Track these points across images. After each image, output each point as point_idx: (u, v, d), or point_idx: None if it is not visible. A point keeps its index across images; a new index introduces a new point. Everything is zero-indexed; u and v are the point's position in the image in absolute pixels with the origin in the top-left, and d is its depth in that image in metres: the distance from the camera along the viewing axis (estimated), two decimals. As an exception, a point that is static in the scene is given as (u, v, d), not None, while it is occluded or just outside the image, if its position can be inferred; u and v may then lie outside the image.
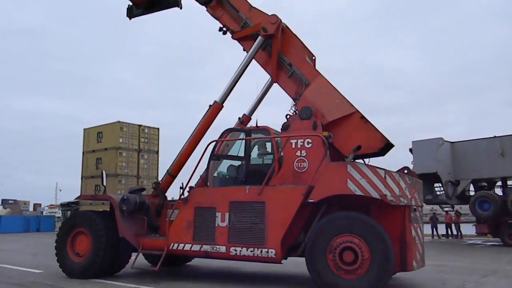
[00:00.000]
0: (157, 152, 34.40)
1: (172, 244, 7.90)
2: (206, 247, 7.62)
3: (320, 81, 8.32)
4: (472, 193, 21.29)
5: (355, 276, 6.45)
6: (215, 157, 8.60)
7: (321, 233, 6.80)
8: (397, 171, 7.45)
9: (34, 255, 12.86)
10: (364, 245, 6.50)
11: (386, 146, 7.79)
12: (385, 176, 6.72)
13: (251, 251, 7.20)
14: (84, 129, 35.65)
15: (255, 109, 10.22)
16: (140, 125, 33.94)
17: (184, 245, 7.82)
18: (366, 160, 8.00)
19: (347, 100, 8.02)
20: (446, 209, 24.56)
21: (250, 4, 9.18)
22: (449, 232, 25.68)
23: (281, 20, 8.70)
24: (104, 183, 9.15)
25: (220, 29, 9.52)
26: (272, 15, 8.75)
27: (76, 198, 9.99)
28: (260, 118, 8.95)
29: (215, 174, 8.75)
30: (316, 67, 8.74)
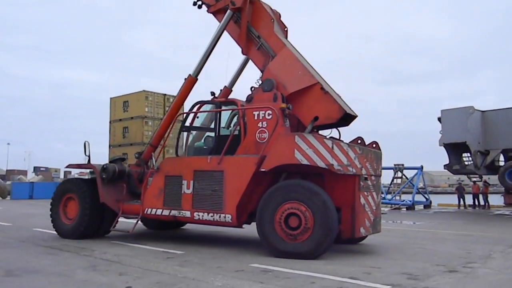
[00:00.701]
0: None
1: (146, 209, 8.57)
2: (174, 212, 8.24)
3: (284, 53, 8.38)
4: (501, 163, 20.84)
5: (299, 240, 6.89)
6: (185, 128, 9.12)
7: (269, 200, 7.22)
8: (351, 141, 7.76)
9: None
10: (307, 211, 6.87)
11: (346, 117, 7.95)
12: (332, 147, 6.99)
13: (211, 216, 7.77)
14: (111, 98, 36.06)
15: (235, 81, 10.42)
16: (165, 94, 34.14)
17: (156, 210, 8.46)
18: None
19: (309, 72, 8.07)
20: (474, 179, 24.17)
21: None
22: (476, 203, 25.32)
23: None
24: (87, 153, 9.51)
25: (195, 4, 9.60)
26: None
27: (66, 167, 10.83)
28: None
29: (195, 145, 9.25)
30: (288, 38, 8.96)
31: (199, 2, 9.58)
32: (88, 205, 8.97)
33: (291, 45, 8.83)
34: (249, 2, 8.83)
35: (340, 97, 8.33)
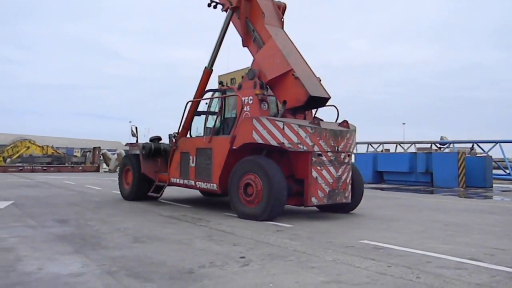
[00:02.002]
0: (288, 96, 34.84)
1: (171, 178, 10.76)
2: (185, 181, 10.29)
3: (269, 44, 9.43)
4: None
5: (254, 205, 8.23)
6: (196, 113, 10.78)
7: (235, 173, 8.66)
8: (310, 122, 8.47)
9: (181, 191, 14.32)
10: (259, 181, 8.15)
11: (317, 99, 8.79)
12: (283, 127, 8.06)
13: (205, 185, 9.60)
14: (219, 76, 37.52)
15: None
16: (270, 70, 34.63)
17: (176, 179, 10.62)
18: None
19: (286, 60, 8.93)
20: None
21: None
22: None
23: None
24: (134, 135, 11.97)
25: (209, 5, 11.01)
26: None
27: (125, 145, 13.83)
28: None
29: (211, 126, 10.39)
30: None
31: (213, 4, 11.02)
32: (136, 175, 11.53)
33: (283, 34, 9.89)
34: (244, 0, 10.04)
35: (319, 80, 9.28)
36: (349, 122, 9.11)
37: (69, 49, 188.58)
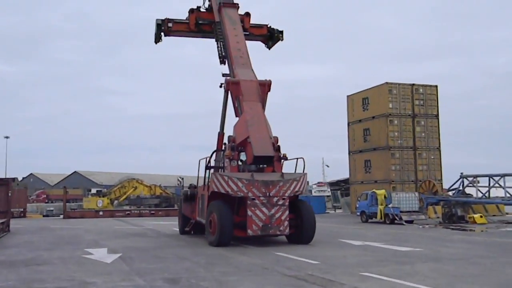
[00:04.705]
0: (437, 116, 33.31)
1: (196, 216, 17.18)
2: (199, 218, 16.64)
3: (241, 116, 15.72)
4: None
5: (213, 235, 13.90)
6: (206, 167, 16.42)
7: (207, 212, 14.61)
8: (251, 175, 14.11)
9: (313, 243, 14.34)
10: (215, 218, 13.80)
11: (260, 158, 14.61)
12: (228, 180, 13.83)
13: (203, 220, 15.40)
14: (348, 96, 37.10)
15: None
16: (413, 84, 33.43)
17: (197, 217, 16.89)
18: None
19: (247, 128, 14.86)
20: None
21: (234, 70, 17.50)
22: None
23: (230, 81, 16.68)
24: (181, 185, 18.44)
25: (220, 86, 17.27)
26: (226, 78, 17.07)
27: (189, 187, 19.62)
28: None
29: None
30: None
31: (224, 85, 17.07)
32: (180, 214, 19.63)
33: (257, 107, 15.84)
34: (231, 84, 16.51)
35: (276, 141, 15.22)
36: (286, 173, 14.64)
37: (174, 75, 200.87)
